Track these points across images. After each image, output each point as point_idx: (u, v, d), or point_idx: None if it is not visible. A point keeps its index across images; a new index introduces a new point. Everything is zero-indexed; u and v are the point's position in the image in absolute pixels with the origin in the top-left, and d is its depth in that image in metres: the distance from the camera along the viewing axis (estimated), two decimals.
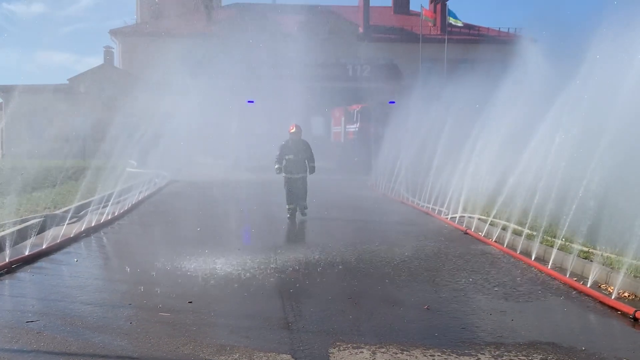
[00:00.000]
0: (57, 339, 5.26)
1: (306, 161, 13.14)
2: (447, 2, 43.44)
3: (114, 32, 41.98)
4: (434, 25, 43.84)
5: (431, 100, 17.25)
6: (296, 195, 12.98)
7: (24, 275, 7.68)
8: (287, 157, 12.98)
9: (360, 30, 43.95)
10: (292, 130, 13.05)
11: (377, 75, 38.26)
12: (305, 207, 13.13)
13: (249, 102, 29.67)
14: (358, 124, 30.07)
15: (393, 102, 27.95)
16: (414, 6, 47.42)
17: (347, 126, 31.83)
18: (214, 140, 28.46)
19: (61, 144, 26.43)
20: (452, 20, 40.67)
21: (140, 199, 16.09)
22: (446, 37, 39.84)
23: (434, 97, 17.36)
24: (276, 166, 13.13)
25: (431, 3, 45.29)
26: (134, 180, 17.55)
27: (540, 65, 12.12)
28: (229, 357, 4.92)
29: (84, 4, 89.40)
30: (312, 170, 13.26)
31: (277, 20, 41.21)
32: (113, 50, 42.22)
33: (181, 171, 24.61)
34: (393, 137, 20.19)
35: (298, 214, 13.03)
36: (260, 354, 4.98)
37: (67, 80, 37.46)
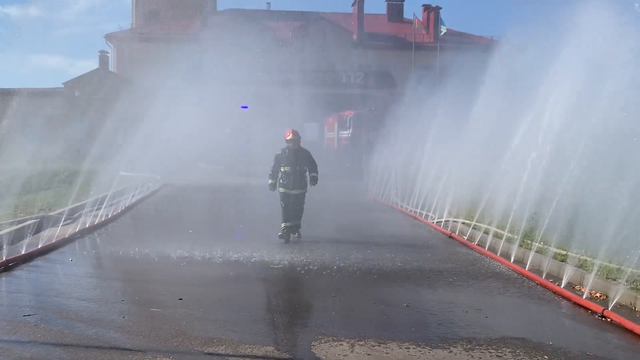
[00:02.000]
0: (53, 331, 5.54)
1: (307, 172, 11.40)
2: (440, 11, 43.99)
3: (109, 37, 42.26)
4: (427, 33, 44.32)
5: (421, 107, 17.57)
6: (292, 212, 11.21)
7: (21, 272, 7.95)
8: (282, 169, 11.19)
9: (355, 37, 44.37)
10: (289, 137, 11.21)
11: (371, 82, 38.72)
12: (299, 227, 11.30)
13: (242, 107, 29.86)
14: (351, 130, 30.46)
15: (385, 110, 28.38)
16: (407, 14, 47.90)
17: (340, 132, 32.22)
18: (207, 145, 28.72)
19: (56, 147, 26.64)
20: (444, 29, 41.19)
21: (133, 202, 16.37)
22: (438, 45, 40.26)
23: (424, 104, 17.68)
24: (270, 181, 11.28)
25: (424, 12, 45.84)
26: (127, 183, 17.80)
27: (523, 71, 12.45)
28: (216, 348, 5.22)
29: (78, 8, 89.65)
30: (314, 181, 11.43)
31: (271, 27, 41.62)
32: (108, 54, 42.50)
33: (174, 175, 24.85)
34: (384, 143, 20.52)
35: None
36: (246, 346, 5.28)
37: (62, 84, 37.72)
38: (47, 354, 4.98)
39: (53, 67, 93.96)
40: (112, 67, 41.95)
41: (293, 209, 11.20)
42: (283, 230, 11.05)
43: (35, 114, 31.85)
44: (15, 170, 13.63)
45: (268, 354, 5.15)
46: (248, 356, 5.09)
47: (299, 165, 11.19)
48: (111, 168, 15.53)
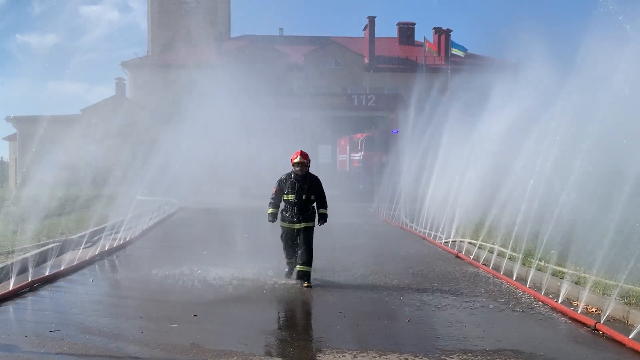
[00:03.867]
0: (78, 345, 5.99)
1: (314, 204, 9.40)
2: (451, 34, 44.65)
3: (125, 64, 43.35)
4: (438, 55, 44.92)
5: (431, 129, 18.02)
6: (298, 251, 9.29)
7: (45, 292, 8.43)
8: (285, 198, 9.30)
9: (366, 60, 45.09)
10: (296, 160, 9.26)
11: (382, 104, 39.32)
12: (309, 274, 9.14)
13: (393, 131, 29.63)
14: (362, 152, 30.93)
15: (396, 132, 28.89)
16: (418, 37, 48.54)
17: (352, 154, 32.70)
18: (222, 169, 29.30)
19: (74, 173, 27.32)
20: (455, 51, 41.72)
21: (150, 225, 16.89)
22: (449, 67, 40.78)
23: (434, 126, 18.10)
24: (269, 210, 9.33)
25: (435, 34, 46.50)
26: (144, 207, 18.35)
27: (529, 93, 12.80)
28: (227, 359, 5.63)
29: (95, 35, 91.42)
30: (323, 218, 9.36)
31: (284, 51, 42.49)
32: (124, 81, 43.56)
33: (190, 199, 25.45)
34: (394, 165, 20.97)
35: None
36: (255, 357, 5.69)
37: (80, 110, 38.67)
38: None
39: (72, 93, 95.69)
40: (128, 93, 42.93)
41: (298, 247, 9.30)
42: (288, 265, 9.56)
43: (53, 141, 32.75)
44: (38, 195, 14.19)
45: None
46: None
47: (305, 194, 9.21)
48: (129, 192, 16.08)
